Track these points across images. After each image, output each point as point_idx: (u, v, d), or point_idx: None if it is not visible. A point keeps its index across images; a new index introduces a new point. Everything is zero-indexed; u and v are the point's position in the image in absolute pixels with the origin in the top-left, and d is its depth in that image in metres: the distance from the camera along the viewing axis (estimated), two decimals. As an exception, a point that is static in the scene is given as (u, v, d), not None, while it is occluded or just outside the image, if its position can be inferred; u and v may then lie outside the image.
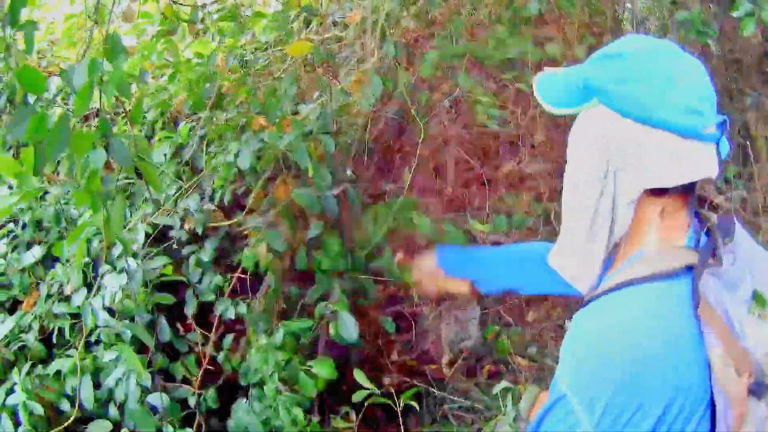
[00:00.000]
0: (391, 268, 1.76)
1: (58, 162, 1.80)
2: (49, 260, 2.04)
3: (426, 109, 2.06)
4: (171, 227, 1.91)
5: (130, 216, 1.82)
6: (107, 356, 1.68)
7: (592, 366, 0.93)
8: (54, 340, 1.90)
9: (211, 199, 1.93)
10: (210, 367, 1.89)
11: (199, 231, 1.87)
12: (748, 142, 2.92)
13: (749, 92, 3.06)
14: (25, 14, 1.42)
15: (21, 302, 2.01)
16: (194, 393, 1.80)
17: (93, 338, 1.82)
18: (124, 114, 1.35)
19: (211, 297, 1.92)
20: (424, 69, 1.95)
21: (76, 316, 1.87)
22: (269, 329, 1.81)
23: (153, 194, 1.66)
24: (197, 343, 1.90)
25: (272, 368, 1.73)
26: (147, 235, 1.86)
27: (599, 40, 2.39)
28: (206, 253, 1.89)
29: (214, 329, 1.90)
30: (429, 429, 2.37)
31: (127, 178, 1.64)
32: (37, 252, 1.93)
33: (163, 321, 1.81)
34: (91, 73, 1.12)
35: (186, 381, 1.88)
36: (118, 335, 1.72)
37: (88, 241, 1.67)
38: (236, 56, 1.88)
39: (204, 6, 1.96)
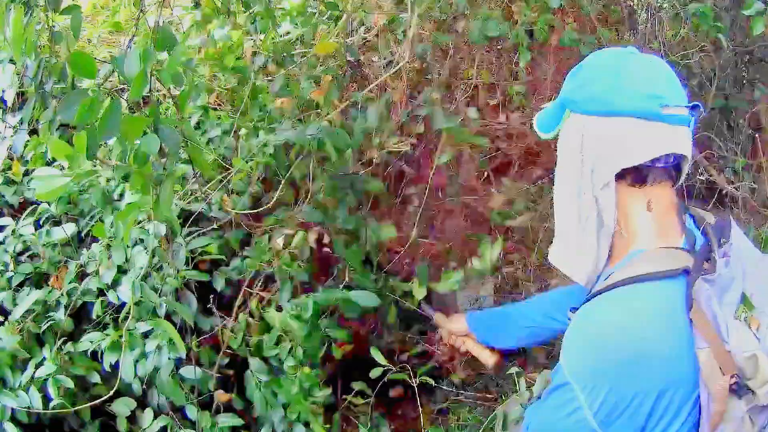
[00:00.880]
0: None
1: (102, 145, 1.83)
2: (78, 238, 2.07)
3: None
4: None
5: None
6: (141, 328, 1.74)
7: (594, 358, 1.02)
8: (82, 315, 1.94)
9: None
10: (228, 351, 1.94)
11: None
12: (757, 135, 2.97)
13: (759, 85, 3.11)
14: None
15: (49, 277, 2.05)
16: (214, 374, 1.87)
17: (121, 315, 1.86)
18: (172, 100, 1.41)
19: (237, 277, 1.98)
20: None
21: (102, 293, 1.91)
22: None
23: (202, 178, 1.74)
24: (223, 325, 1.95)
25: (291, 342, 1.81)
26: (186, 218, 1.91)
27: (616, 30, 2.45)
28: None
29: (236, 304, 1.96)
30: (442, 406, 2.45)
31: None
32: (69, 228, 1.97)
33: (193, 298, 1.87)
34: (145, 62, 1.17)
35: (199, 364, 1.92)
36: (151, 311, 1.78)
37: (138, 222, 1.72)
38: (270, 52, 1.91)
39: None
